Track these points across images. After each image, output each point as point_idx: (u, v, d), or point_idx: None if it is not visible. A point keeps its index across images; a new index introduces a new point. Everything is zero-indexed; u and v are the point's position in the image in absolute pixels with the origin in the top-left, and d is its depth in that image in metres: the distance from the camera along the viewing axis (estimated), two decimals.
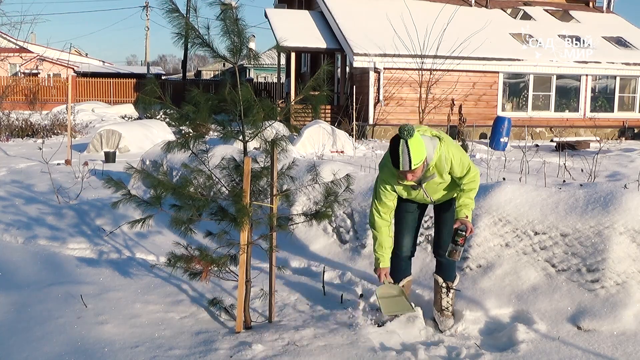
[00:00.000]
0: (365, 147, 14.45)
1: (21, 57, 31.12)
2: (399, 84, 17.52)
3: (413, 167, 3.38)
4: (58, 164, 11.25)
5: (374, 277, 4.77)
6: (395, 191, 3.75)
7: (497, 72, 18.65)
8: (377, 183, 3.83)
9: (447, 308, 4.00)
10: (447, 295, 4.00)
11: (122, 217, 6.26)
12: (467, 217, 3.64)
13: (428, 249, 4.77)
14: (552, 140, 16.88)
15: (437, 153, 3.57)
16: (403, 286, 4.03)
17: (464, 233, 3.60)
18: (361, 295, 4.44)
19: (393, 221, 3.91)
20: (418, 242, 4.73)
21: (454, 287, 4.03)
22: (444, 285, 4.00)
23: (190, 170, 3.98)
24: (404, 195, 3.80)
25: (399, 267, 4.02)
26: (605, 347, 3.57)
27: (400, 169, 3.42)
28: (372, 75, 17.45)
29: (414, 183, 3.66)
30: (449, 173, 3.69)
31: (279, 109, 3.89)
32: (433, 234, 4.10)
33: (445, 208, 3.95)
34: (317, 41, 19.19)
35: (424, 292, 4.44)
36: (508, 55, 18.52)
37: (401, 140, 3.35)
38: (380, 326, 3.88)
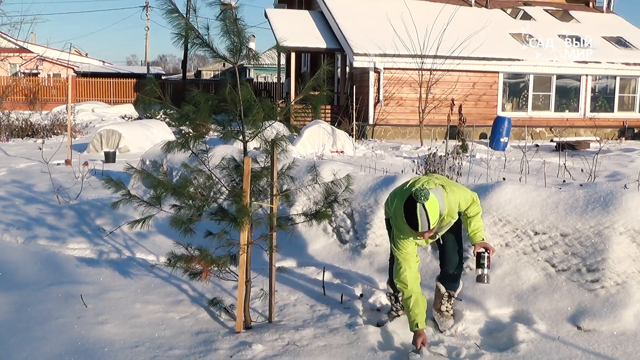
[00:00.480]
0: (365, 147, 14.45)
1: (21, 57, 31.13)
2: (399, 84, 17.52)
3: (432, 227, 3.39)
4: (58, 164, 11.26)
5: (374, 277, 4.78)
6: (412, 240, 3.69)
7: (497, 72, 18.65)
8: (395, 238, 3.70)
9: (447, 310, 4.00)
10: (448, 302, 4.00)
11: (122, 217, 6.26)
12: (483, 239, 3.73)
13: (428, 249, 4.77)
14: (552, 140, 16.88)
15: (447, 203, 3.54)
16: None
17: (487, 254, 3.65)
18: (361, 295, 4.44)
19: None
20: None
21: (456, 297, 4.04)
22: (445, 294, 4.00)
23: (190, 170, 3.98)
24: (424, 244, 3.91)
25: None
26: (605, 347, 3.57)
27: (420, 230, 3.40)
28: (372, 75, 17.45)
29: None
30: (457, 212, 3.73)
31: (279, 109, 3.89)
32: (438, 254, 4.09)
33: (446, 233, 3.91)
34: (317, 41, 19.19)
35: (423, 292, 4.43)
36: (508, 55, 18.52)
37: (418, 204, 3.33)
38: (380, 326, 3.88)
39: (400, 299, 3.85)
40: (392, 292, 4.04)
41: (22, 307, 4.13)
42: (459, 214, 3.77)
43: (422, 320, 3.57)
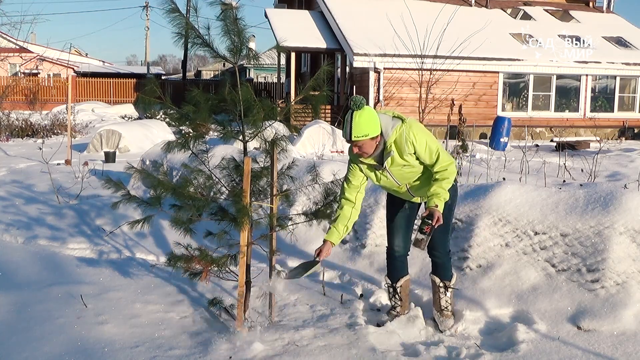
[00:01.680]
0: None
1: (21, 57, 31.11)
2: (399, 84, 17.52)
3: (354, 139, 3.42)
4: (58, 164, 11.26)
5: (374, 277, 4.79)
6: (362, 171, 3.70)
7: (497, 72, 18.66)
8: (348, 164, 3.82)
9: (446, 307, 3.99)
10: (446, 295, 3.99)
11: (122, 217, 6.26)
12: (436, 206, 3.48)
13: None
14: (552, 140, 16.89)
15: (397, 132, 3.52)
16: (401, 286, 4.01)
17: (430, 222, 3.45)
18: (361, 295, 4.44)
19: (358, 206, 3.77)
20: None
21: (452, 286, 4.01)
22: (441, 285, 3.98)
23: (190, 170, 3.98)
24: (373, 178, 3.72)
25: (395, 266, 4.01)
26: (605, 347, 3.57)
27: (343, 136, 3.51)
28: (372, 75, 17.45)
29: (373, 162, 3.62)
30: (417, 158, 3.58)
31: (279, 109, 3.88)
32: None
33: None
34: (317, 41, 19.19)
35: (423, 293, 4.44)
36: (508, 55, 18.53)
37: (349, 111, 3.44)
38: (380, 326, 3.88)
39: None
40: (389, 283, 4.05)
41: (22, 307, 4.13)
42: (427, 170, 3.65)
43: (332, 235, 3.67)
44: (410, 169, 3.63)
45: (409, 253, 4.05)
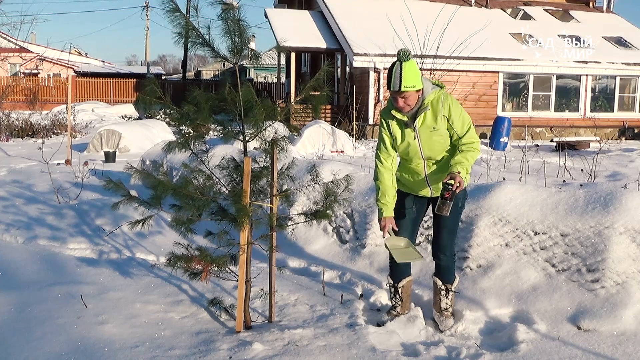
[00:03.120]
0: (365, 147, 14.45)
1: (21, 57, 31.13)
2: None
3: (403, 89, 3.46)
4: (58, 164, 11.26)
5: (374, 277, 4.79)
6: (389, 130, 3.73)
7: (497, 72, 18.67)
8: (379, 135, 3.84)
9: (446, 309, 3.99)
10: (447, 297, 3.99)
11: (122, 217, 6.26)
12: (459, 172, 3.48)
13: (428, 249, 4.77)
14: (552, 140, 16.89)
15: (436, 93, 3.62)
16: (403, 286, 4.02)
17: (450, 187, 3.44)
18: (361, 295, 4.44)
19: (396, 171, 3.84)
20: (418, 242, 4.74)
21: (453, 290, 4.00)
22: (442, 287, 3.98)
23: (190, 170, 3.98)
24: (398, 139, 3.70)
25: (398, 267, 4.00)
26: (605, 347, 3.57)
27: (391, 89, 3.52)
28: (372, 75, 17.46)
29: (405, 119, 3.64)
30: (447, 129, 3.61)
31: (279, 109, 3.89)
32: (432, 236, 4.07)
33: None
34: (317, 41, 19.20)
35: (423, 293, 4.44)
36: (508, 55, 18.54)
37: (397, 62, 3.49)
38: (380, 326, 3.88)
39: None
40: (392, 283, 4.04)
41: (22, 307, 4.13)
42: (451, 148, 3.69)
43: (388, 210, 3.72)
44: (438, 137, 3.64)
45: None
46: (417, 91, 3.55)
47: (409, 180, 3.86)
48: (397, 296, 4.03)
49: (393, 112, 3.68)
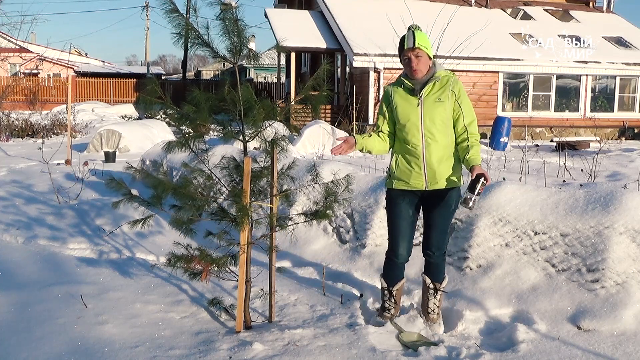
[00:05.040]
0: None
1: (21, 57, 31.16)
2: None
3: (417, 45, 3.60)
4: (58, 164, 11.26)
5: (374, 276, 4.78)
6: (391, 103, 3.78)
7: (497, 72, 18.67)
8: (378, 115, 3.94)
9: (432, 310, 3.94)
10: (435, 297, 3.94)
11: (122, 217, 6.26)
12: (480, 165, 3.60)
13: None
14: (552, 140, 16.90)
15: (448, 73, 3.75)
16: (397, 289, 3.98)
17: (485, 181, 3.48)
18: (361, 295, 4.44)
19: (387, 143, 3.87)
20: (417, 242, 4.72)
21: (442, 289, 3.94)
22: (431, 286, 3.92)
23: (191, 170, 3.98)
24: (400, 108, 3.72)
25: (394, 272, 3.94)
26: (605, 347, 3.57)
27: (406, 46, 3.63)
28: (372, 75, 17.45)
29: (412, 86, 3.69)
30: (457, 101, 3.67)
31: (279, 109, 3.89)
32: (422, 234, 3.96)
33: (436, 206, 3.78)
34: (317, 41, 19.19)
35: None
36: (508, 55, 18.54)
37: (409, 30, 3.68)
38: (380, 326, 3.88)
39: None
40: (386, 286, 3.99)
41: (22, 307, 4.13)
42: (449, 144, 3.72)
43: (358, 137, 3.78)
44: (442, 110, 3.65)
45: (408, 260, 3.95)
46: (429, 58, 3.69)
47: (406, 168, 3.73)
48: (392, 299, 3.99)
49: (402, 78, 3.77)
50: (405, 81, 3.73)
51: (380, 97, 3.91)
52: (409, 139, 3.71)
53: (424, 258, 3.96)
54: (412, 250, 3.94)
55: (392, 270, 3.95)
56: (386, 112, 3.83)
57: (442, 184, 3.71)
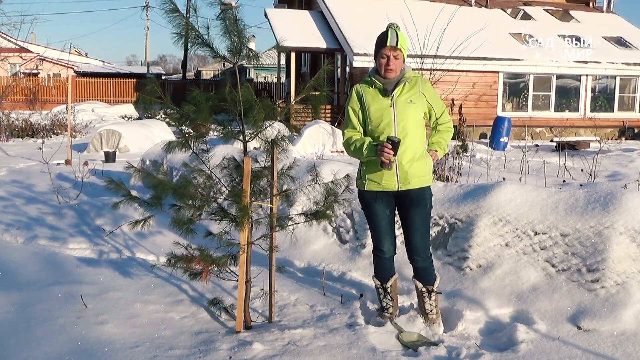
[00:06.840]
0: None
1: (21, 57, 31.14)
2: None
3: (399, 45, 3.61)
4: (58, 164, 11.26)
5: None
6: (362, 104, 3.75)
7: (497, 72, 18.66)
8: (346, 113, 3.86)
9: (430, 311, 3.93)
10: (430, 299, 3.93)
11: (122, 217, 6.26)
12: (436, 151, 3.87)
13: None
14: (552, 140, 16.90)
15: (415, 73, 3.80)
16: (390, 286, 3.99)
17: (397, 142, 3.49)
18: (361, 295, 4.44)
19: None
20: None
21: (435, 290, 3.93)
22: (423, 289, 3.91)
23: (191, 170, 3.98)
24: (372, 108, 3.70)
25: (384, 267, 3.95)
26: (605, 347, 3.57)
27: (388, 43, 3.61)
28: None
29: (382, 87, 3.68)
30: (428, 100, 3.76)
31: (279, 109, 3.88)
32: (404, 239, 3.92)
33: (412, 205, 3.76)
34: (317, 41, 19.20)
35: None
36: (508, 55, 18.53)
37: (389, 28, 3.68)
38: (380, 326, 3.88)
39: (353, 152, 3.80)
40: (379, 284, 3.99)
41: (22, 307, 4.13)
42: (421, 140, 3.77)
43: (370, 142, 3.67)
44: (413, 111, 3.69)
45: (395, 252, 3.98)
46: (403, 61, 3.71)
47: (377, 169, 3.69)
48: (388, 296, 3.98)
49: (374, 78, 3.74)
50: (376, 81, 3.72)
51: (348, 97, 3.87)
52: (382, 139, 3.67)
53: (411, 265, 3.92)
54: (396, 243, 3.96)
55: (381, 266, 3.95)
56: (359, 112, 3.78)
57: (414, 184, 3.73)
